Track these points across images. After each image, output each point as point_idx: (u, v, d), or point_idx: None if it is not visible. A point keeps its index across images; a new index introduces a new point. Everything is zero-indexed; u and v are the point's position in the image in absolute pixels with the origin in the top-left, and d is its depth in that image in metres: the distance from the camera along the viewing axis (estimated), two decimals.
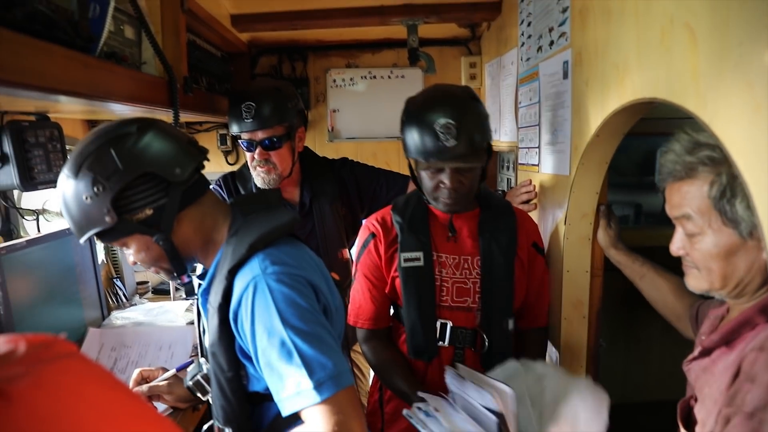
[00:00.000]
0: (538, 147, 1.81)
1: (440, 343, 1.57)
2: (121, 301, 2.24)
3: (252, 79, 2.80)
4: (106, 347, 1.82)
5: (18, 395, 0.41)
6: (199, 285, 1.23)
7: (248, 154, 1.88)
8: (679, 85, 0.97)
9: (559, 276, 1.65)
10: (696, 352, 1.09)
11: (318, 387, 0.98)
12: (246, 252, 1.08)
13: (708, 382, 1.02)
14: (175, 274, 1.18)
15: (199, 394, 1.31)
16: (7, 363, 0.45)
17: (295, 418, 1.03)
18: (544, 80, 1.74)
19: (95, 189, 1.03)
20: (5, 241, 1.74)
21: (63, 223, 1.95)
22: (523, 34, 1.96)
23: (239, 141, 1.90)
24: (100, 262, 2.11)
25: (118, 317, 2.00)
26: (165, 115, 1.79)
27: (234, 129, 1.85)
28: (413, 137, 1.46)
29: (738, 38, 0.80)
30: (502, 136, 2.37)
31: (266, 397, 1.14)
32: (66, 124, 1.67)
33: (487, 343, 1.55)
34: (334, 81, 2.84)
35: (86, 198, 1.04)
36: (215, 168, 2.82)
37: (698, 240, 0.99)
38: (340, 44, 2.81)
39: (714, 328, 1.10)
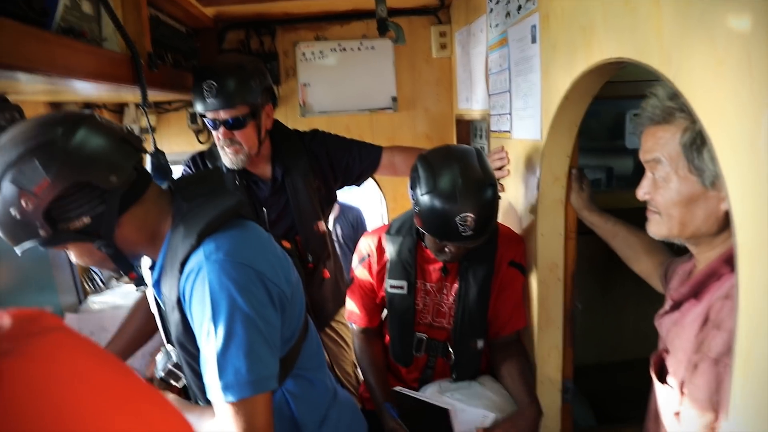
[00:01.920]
0: (509, 113, 1.81)
1: (416, 353, 1.80)
2: (98, 285, 2.21)
3: (220, 54, 2.73)
4: (84, 332, 1.80)
5: (8, 370, 0.41)
6: (151, 276, 1.20)
7: (214, 133, 1.83)
8: (643, 44, 0.98)
9: (533, 239, 1.68)
10: (666, 306, 1.13)
11: (225, 389, 0.99)
12: (195, 241, 1.05)
13: (678, 334, 1.05)
14: (122, 273, 1.14)
15: (172, 382, 1.29)
16: None
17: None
18: (513, 46, 1.74)
19: (23, 203, 0.94)
20: None
21: None
22: (491, 1, 1.94)
23: (204, 119, 1.84)
24: None
25: (95, 301, 1.98)
26: (130, 94, 1.75)
27: (198, 108, 1.79)
28: (432, 219, 1.51)
29: None
30: (473, 105, 2.37)
31: None
32: (28, 106, 1.61)
33: (454, 358, 1.76)
34: (304, 54, 2.80)
35: (14, 213, 0.95)
36: (186, 147, 2.77)
37: (664, 185, 1.02)
38: (309, 17, 2.76)
39: (683, 282, 1.13)
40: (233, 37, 2.78)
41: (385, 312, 1.92)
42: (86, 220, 1.01)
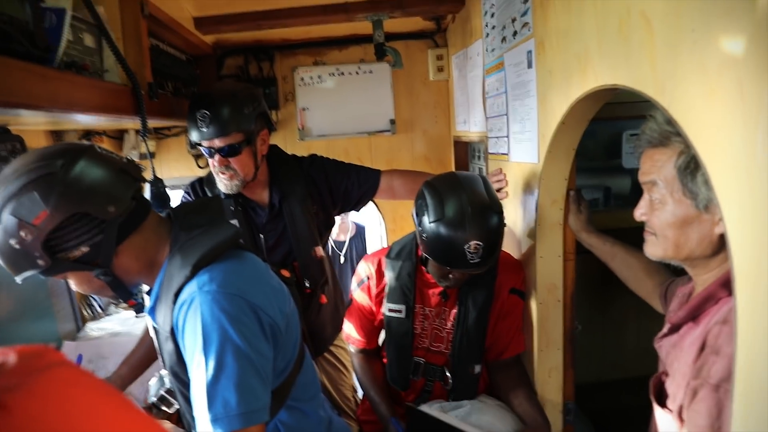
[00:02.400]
0: (507, 136, 1.83)
1: (413, 377, 1.81)
2: (96, 312, 2.20)
3: (219, 81, 2.76)
4: (83, 360, 1.80)
5: (15, 405, 0.42)
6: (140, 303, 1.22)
7: (210, 161, 1.83)
8: (638, 72, 1.00)
9: (533, 261, 1.68)
10: (665, 329, 1.13)
11: (214, 421, 0.99)
12: (190, 273, 1.05)
13: (677, 357, 1.05)
14: (120, 301, 1.17)
15: (164, 408, 1.29)
16: (1, 375, 0.45)
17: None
18: (509, 70, 1.76)
19: (22, 234, 0.96)
20: None
21: None
22: (487, 25, 1.98)
23: (199, 146, 1.84)
24: None
25: (94, 328, 1.98)
26: (132, 123, 1.77)
27: (192, 137, 1.79)
28: (439, 246, 1.50)
29: (691, 24, 0.82)
30: (471, 127, 2.40)
31: None
32: (29, 135, 1.63)
33: (451, 383, 1.76)
34: (302, 79, 2.83)
35: (14, 244, 0.97)
36: (186, 172, 2.79)
37: (659, 207, 1.04)
38: (307, 42, 2.80)
39: (682, 305, 1.14)
40: (232, 62, 2.81)
41: (383, 334, 1.91)
42: (84, 249, 1.02)
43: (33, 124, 1.69)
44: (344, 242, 3.79)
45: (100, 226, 1.03)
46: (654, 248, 1.08)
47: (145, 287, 1.25)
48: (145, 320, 1.40)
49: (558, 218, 1.64)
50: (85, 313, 2.16)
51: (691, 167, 0.97)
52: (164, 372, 1.27)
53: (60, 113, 1.15)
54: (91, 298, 2.22)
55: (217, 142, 1.76)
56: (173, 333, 1.06)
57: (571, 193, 1.61)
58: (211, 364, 1.00)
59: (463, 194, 1.50)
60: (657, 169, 1.03)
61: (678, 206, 1.00)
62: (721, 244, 0.99)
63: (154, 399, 1.28)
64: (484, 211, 1.49)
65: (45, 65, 1.09)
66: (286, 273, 1.96)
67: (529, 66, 1.58)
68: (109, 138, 2.46)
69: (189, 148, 2.80)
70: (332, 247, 3.79)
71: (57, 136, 2.06)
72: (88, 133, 2.29)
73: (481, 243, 1.46)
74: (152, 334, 1.27)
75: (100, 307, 2.22)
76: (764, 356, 0.72)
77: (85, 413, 0.47)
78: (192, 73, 2.52)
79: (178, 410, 1.28)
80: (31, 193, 0.95)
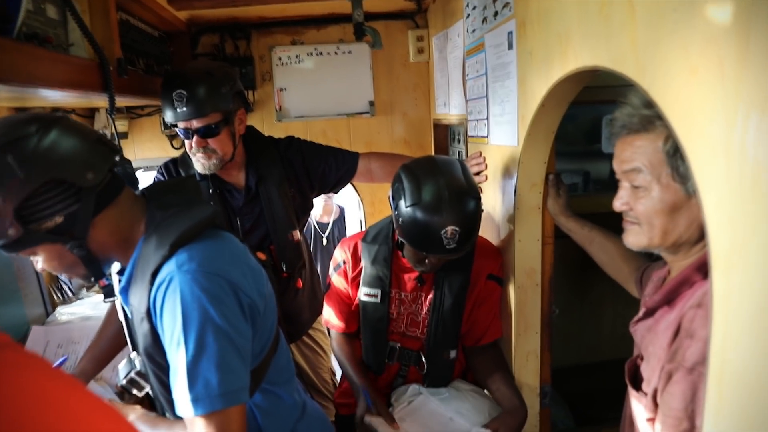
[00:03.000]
0: (487, 119, 1.81)
1: (388, 362, 1.80)
2: (67, 295, 2.15)
3: (193, 59, 2.69)
4: (51, 344, 1.75)
5: None
6: (119, 282, 1.16)
7: (186, 142, 1.78)
8: (618, 53, 0.98)
9: (511, 245, 1.68)
10: (640, 313, 1.13)
11: (195, 401, 0.98)
12: (167, 252, 1.03)
13: (652, 341, 1.05)
14: (93, 279, 1.10)
15: (135, 391, 1.23)
16: None
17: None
18: (489, 51, 1.73)
19: None
20: None
21: None
22: (468, 5, 1.94)
23: (175, 128, 1.79)
24: None
25: (63, 313, 1.92)
26: (100, 100, 1.71)
27: (168, 117, 1.74)
28: (415, 231, 1.48)
29: (672, 5, 0.81)
30: (451, 109, 2.37)
31: None
32: None
33: (426, 368, 1.75)
34: (280, 59, 2.77)
35: None
36: (160, 153, 2.72)
37: (644, 194, 1.00)
38: (284, 20, 2.73)
39: (657, 289, 1.14)
40: (207, 41, 2.74)
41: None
42: (59, 219, 0.98)
43: None
44: (328, 224, 3.77)
45: (76, 195, 0.99)
46: (637, 237, 1.05)
47: (114, 268, 1.21)
48: (115, 303, 1.35)
49: (537, 202, 1.63)
50: (54, 296, 2.11)
51: (671, 151, 0.95)
52: (134, 355, 1.22)
53: (19, 87, 1.10)
54: (61, 282, 2.17)
55: (195, 123, 1.72)
56: (149, 313, 1.03)
57: (550, 176, 1.60)
58: (192, 344, 0.98)
59: (440, 178, 1.48)
60: (639, 156, 1.00)
61: (666, 192, 0.97)
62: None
63: (123, 382, 1.22)
64: (462, 196, 1.47)
65: (2, 36, 1.03)
66: (262, 256, 1.93)
67: (510, 47, 1.55)
68: (78, 116, 2.39)
69: (163, 129, 2.72)
70: (315, 228, 3.76)
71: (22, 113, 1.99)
72: (56, 111, 2.21)
73: (457, 228, 1.45)
74: (121, 316, 1.23)
75: (70, 290, 2.16)
76: (738, 340, 0.72)
77: (32, 397, 0.45)
78: (165, 50, 2.44)
79: (148, 394, 1.24)
80: (3, 157, 0.90)
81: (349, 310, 1.86)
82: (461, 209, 1.46)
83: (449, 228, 1.44)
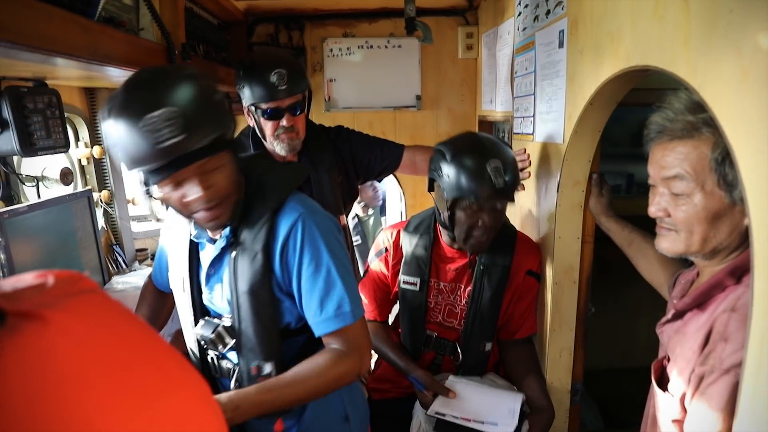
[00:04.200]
0: (533, 116, 1.83)
1: (424, 349, 1.83)
2: (121, 267, 2.27)
3: (249, 48, 2.78)
4: None
5: (52, 318, 0.44)
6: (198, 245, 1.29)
7: (270, 123, 1.83)
8: (670, 52, 0.99)
9: (551, 242, 1.69)
10: (669, 315, 1.13)
11: (353, 310, 1.19)
12: (281, 196, 1.21)
13: (680, 342, 1.06)
14: (232, 216, 1.18)
15: (220, 348, 1.28)
16: (39, 293, 0.47)
17: (314, 348, 1.24)
18: (539, 50, 1.75)
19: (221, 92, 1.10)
20: (6, 206, 1.75)
21: (62, 190, 1.97)
22: (519, 4, 1.96)
23: (256, 110, 1.83)
24: (100, 228, 2.13)
25: (119, 282, 2.04)
26: None
27: (259, 97, 1.79)
28: (462, 176, 1.56)
29: (728, 5, 0.82)
30: (497, 106, 2.39)
31: (293, 332, 1.28)
32: (63, 91, 1.68)
33: (461, 359, 1.78)
34: (331, 50, 2.83)
35: (219, 96, 1.09)
36: None
37: (685, 202, 0.99)
38: (337, 13, 2.79)
39: (684, 291, 1.14)
40: (262, 30, 2.82)
41: (397, 307, 1.94)
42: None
43: (67, 78, 1.73)
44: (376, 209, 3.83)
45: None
46: (674, 244, 1.04)
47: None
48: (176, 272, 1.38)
49: (579, 200, 1.64)
50: (111, 267, 2.23)
51: (721, 158, 0.93)
52: (208, 318, 1.30)
53: (98, 65, 1.19)
54: (116, 253, 2.29)
55: (287, 101, 1.80)
56: (266, 250, 1.18)
57: (594, 176, 1.61)
58: (340, 267, 1.20)
59: (474, 135, 1.70)
60: (681, 162, 0.98)
61: (709, 199, 0.96)
62: (746, 236, 0.95)
63: (212, 336, 1.25)
64: (497, 142, 1.64)
65: (86, 18, 1.12)
66: None
67: (560, 46, 1.57)
68: None
69: None
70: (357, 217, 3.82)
71: (90, 93, 2.11)
72: None
73: (499, 164, 1.54)
74: (180, 283, 1.32)
75: (125, 262, 2.29)
76: None
77: (112, 335, 0.49)
78: (223, 38, 2.54)
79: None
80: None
81: (385, 298, 1.90)
82: (500, 149, 1.60)
83: (492, 162, 1.53)
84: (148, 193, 1.12)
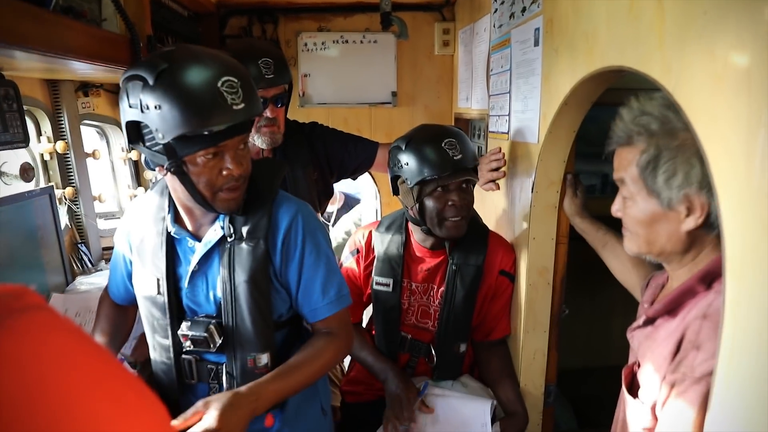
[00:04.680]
0: (508, 114, 1.81)
1: (399, 351, 1.81)
2: (87, 266, 2.19)
3: (221, 42, 2.71)
4: (70, 313, 1.80)
5: None
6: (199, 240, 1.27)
7: None
8: (645, 53, 0.98)
9: (525, 243, 1.68)
10: (640, 321, 1.13)
11: (338, 301, 1.29)
12: (274, 189, 1.26)
13: (650, 347, 1.05)
14: (241, 201, 1.21)
15: (210, 345, 1.25)
16: None
17: (295, 339, 1.35)
18: (515, 47, 1.73)
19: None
20: None
21: (23, 187, 1.89)
22: (496, 1, 1.94)
23: None
24: (63, 226, 2.06)
25: (83, 282, 1.97)
26: None
27: None
28: (421, 159, 1.60)
29: (702, 7, 0.81)
30: (473, 104, 2.37)
31: (279, 324, 1.31)
32: (23, 83, 1.60)
33: (435, 360, 1.77)
34: (306, 45, 2.78)
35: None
36: None
37: (630, 205, 1.04)
38: (312, 6, 2.74)
39: (654, 296, 1.14)
40: (235, 23, 2.76)
41: (370, 309, 1.91)
42: None
43: (28, 70, 1.65)
44: (332, 213, 3.78)
45: None
46: (629, 244, 1.09)
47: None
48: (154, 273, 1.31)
49: (554, 201, 1.63)
50: (75, 266, 2.16)
51: (651, 166, 0.97)
52: (197, 317, 1.27)
53: (55, 57, 1.13)
54: (81, 252, 2.21)
55: (272, 91, 1.77)
56: (269, 238, 1.22)
57: (569, 176, 1.60)
58: (332, 257, 1.31)
59: (425, 125, 1.77)
60: (623, 167, 1.04)
61: (645, 203, 1.01)
62: (690, 241, 0.99)
63: (205, 334, 1.22)
64: (448, 126, 1.73)
65: (40, 7, 1.06)
66: None
67: (536, 44, 1.55)
68: (106, 92, 2.42)
69: None
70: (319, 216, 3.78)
71: (52, 86, 2.03)
72: (85, 85, 2.25)
73: (453, 139, 1.60)
74: (152, 290, 1.26)
75: (90, 261, 2.21)
76: (747, 345, 0.72)
77: (59, 358, 0.46)
78: (194, 30, 2.47)
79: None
80: None
81: (358, 298, 1.86)
82: (451, 129, 1.68)
83: (446, 140, 1.59)
84: (174, 165, 1.08)
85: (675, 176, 0.94)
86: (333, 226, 3.76)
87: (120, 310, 1.49)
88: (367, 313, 1.96)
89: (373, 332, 1.89)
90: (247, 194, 1.21)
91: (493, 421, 1.59)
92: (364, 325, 2.01)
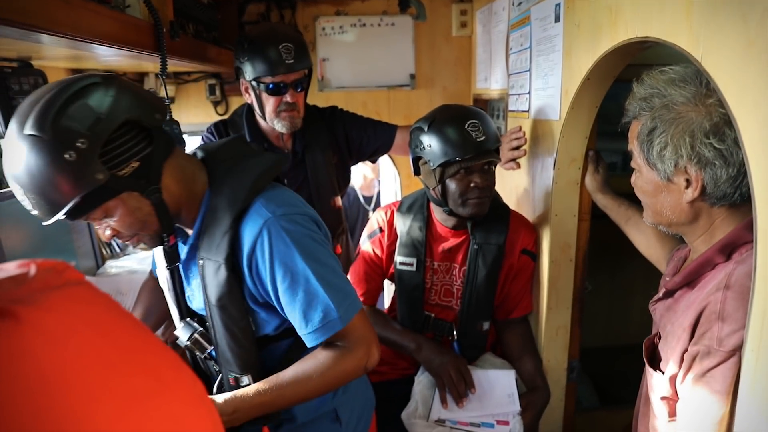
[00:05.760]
0: (529, 93, 1.80)
1: (423, 330, 1.80)
2: (115, 251, 2.25)
3: (240, 28, 2.72)
4: None
5: (27, 317, 0.41)
6: (178, 246, 1.19)
7: (272, 99, 1.81)
8: (671, 23, 0.97)
9: (547, 220, 1.68)
10: (660, 293, 1.14)
11: (342, 315, 1.07)
12: (246, 198, 1.08)
13: (670, 319, 1.06)
14: (165, 235, 1.11)
15: (197, 353, 1.24)
16: (19, 285, 0.44)
17: (302, 350, 1.15)
18: (535, 25, 1.72)
19: (79, 143, 0.88)
20: None
21: None
22: None
23: (259, 85, 1.80)
24: None
25: (113, 266, 2.02)
26: (152, 62, 1.76)
27: (264, 71, 1.76)
28: (443, 141, 1.58)
29: None
30: (492, 84, 2.36)
31: (273, 338, 1.20)
32: (50, 72, 1.63)
33: (457, 338, 1.77)
34: (324, 29, 2.78)
35: (68, 156, 0.88)
36: (204, 119, 2.78)
37: (637, 176, 1.08)
38: None
39: (677, 269, 1.14)
40: (254, 9, 2.76)
41: (392, 290, 1.92)
42: (135, 164, 0.99)
43: (54, 59, 1.68)
44: (372, 197, 3.79)
45: (148, 138, 1.01)
46: (645, 214, 1.13)
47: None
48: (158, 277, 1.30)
49: (575, 177, 1.62)
50: (104, 251, 2.21)
51: (646, 138, 1.00)
52: (188, 321, 1.24)
53: (82, 42, 1.14)
54: None
55: (292, 76, 1.79)
56: (230, 261, 1.07)
57: (590, 153, 1.59)
58: (319, 272, 1.07)
59: (447, 105, 1.74)
60: (632, 140, 1.07)
61: (649, 175, 1.04)
62: (694, 213, 1.01)
63: (187, 343, 1.22)
64: (470, 106, 1.70)
65: None
66: None
67: (557, 20, 1.54)
68: (129, 80, 2.45)
69: (208, 95, 2.78)
70: (361, 201, 3.79)
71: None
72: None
73: (477, 121, 1.57)
74: (167, 286, 1.23)
75: (118, 246, 2.26)
76: None
77: (97, 331, 0.46)
78: (213, 17, 2.48)
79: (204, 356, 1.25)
80: (80, 100, 0.91)
81: (377, 279, 1.87)
82: (474, 110, 1.64)
83: (469, 121, 1.57)
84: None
85: (666, 148, 0.97)
86: (371, 209, 3.79)
87: (159, 293, 1.47)
88: (388, 294, 1.98)
89: (395, 314, 1.90)
90: (217, 204, 1.10)
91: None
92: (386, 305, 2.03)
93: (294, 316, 1.08)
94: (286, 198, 1.14)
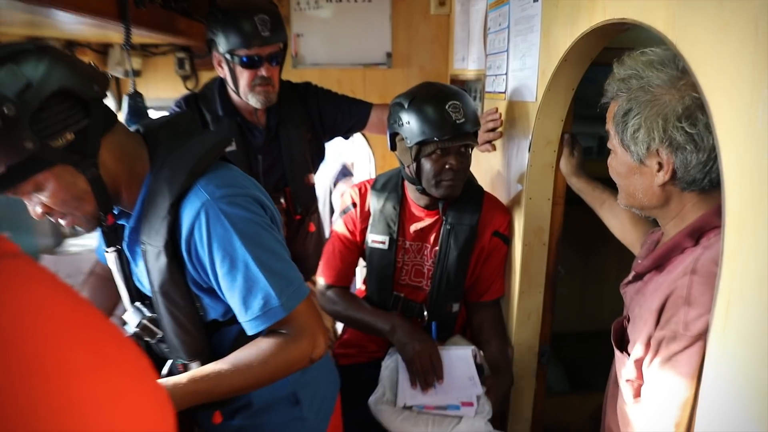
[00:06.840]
0: (506, 74, 1.78)
1: (392, 311, 1.78)
2: (77, 228, 2.17)
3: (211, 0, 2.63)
4: (61, 274, 1.77)
5: None
6: (121, 228, 1.12)
7: (246, 73, 1.76)
8: (648, 4, 0.95)
9: (521, 203, 1.67)
10: (630, 276, 1.15)
11: (285, 302, 1.03)
12: (186, 180, 1.01)
13: (639, 302, 1.07)
14: (102, 215, 1.04)
15: (147, 339, 1.19)
16: None
17: (253, 336, 1.07)
18: (514, 4, 1.69)
19: (4, 109, 0.83)
20: None
21: None
22: None
23: (233, 58, 1.74)
24: None
25: (73, 244, 1.95)
26: (118, 33, 1.68)
27: (238, 43, 1.71)
28: (422, 119, 1.56)
29: None
30: (469, 64, 2.33)
31: (222, 323, 1.15)
32: (6, 40, 1.55)
33: (427, 319, 1.77)
34: (298, 4, 2.70)
35: None
36: (172, 93, 2.68)
37: (613, 157, 1.09)
38: None
39: (650, 252, 1.14)
40: None
41: (364, 269, 1.91)
42: (70, 136, 0.93)
43: (9, 24, 1.59)
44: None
45: (84, 110, 0.95)
46: (618, 196, 1.13)
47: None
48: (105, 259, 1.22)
49: (551, 160, 1.61)
50: (63, 230, 2.13)
51: (623, 120, 1.00)
52: (138, 305, 1.18)
53: (38, 5, 1.08)
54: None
55: (268, 49, 1.74)
56: (168, 247, 1.02)
57: (565, 135, 1.58)
58: (259, 258, 1.02)
59: (430, 83, 1.70)
60: (608, 121, 1.07)
61: (623, 156, 1.04)
62: (665, 196, 1.02)
63: (136, 330, 1.17)
64: (452, 86, 1.68)
65: None
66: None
67: (535, 0, 1.51)
68: (93, 51, 2.36)
69: (177, 68, 2.69)
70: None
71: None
72: (71, 44, 2.18)
73: (458, 102, 1.55)
74: (116, 268, 1.16)
75: None
76: (744, 297, 0.72)
77: (34, 307, 0.44)
78: None
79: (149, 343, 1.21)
80: (9, 65, 0.85)
81: (349, 258, 1.84)
82: (455, 90, 1.62)
83: (450, 102, 1.55)
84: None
85: (639, 130, 0.97)
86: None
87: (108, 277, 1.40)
88: (360, 276, 1.96)
89: (365, 293, 1.89)
90: (156, 188, 1.03)
91: (478, 374, 1.60)
92: (359, 285, 2.01)
93: (234, 302, 1.04)
94: (230, 179, 1.08)
